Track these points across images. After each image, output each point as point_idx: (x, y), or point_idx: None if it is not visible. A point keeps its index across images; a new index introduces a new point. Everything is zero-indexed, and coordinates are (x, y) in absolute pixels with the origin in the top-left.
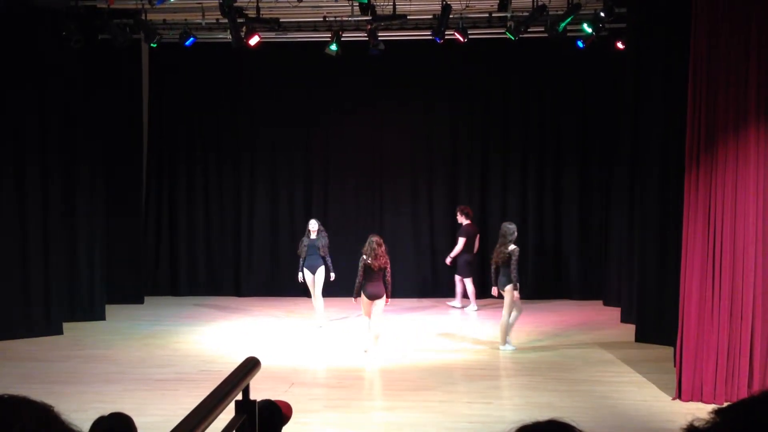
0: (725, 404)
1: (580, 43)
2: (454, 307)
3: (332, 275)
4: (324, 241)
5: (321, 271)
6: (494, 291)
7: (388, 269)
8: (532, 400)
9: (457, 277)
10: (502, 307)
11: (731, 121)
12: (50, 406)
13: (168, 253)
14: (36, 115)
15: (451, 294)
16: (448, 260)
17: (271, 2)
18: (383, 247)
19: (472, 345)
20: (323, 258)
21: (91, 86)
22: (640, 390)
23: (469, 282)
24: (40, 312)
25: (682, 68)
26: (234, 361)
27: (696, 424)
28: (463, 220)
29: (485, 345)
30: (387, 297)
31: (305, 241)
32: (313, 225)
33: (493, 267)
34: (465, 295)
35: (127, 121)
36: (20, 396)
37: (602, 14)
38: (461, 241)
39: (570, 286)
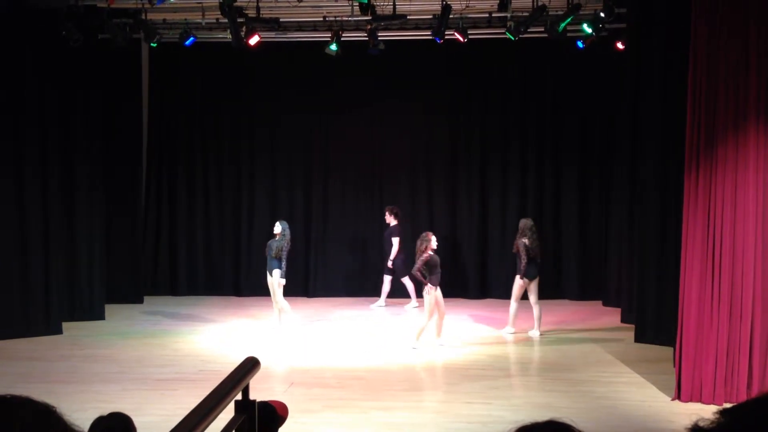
0: (726, 405)
1: (579, 44)
2: (415, 307)
3: (281, 279)
4: (279, 244)
5: (275, 273)
6: (526, 283)
7: (417, 261)
8: (531, 401)
9: (404, 279)
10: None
11: (731, 122)
12: (53, 407)
13: (167, 253)
14: (35, 114)
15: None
16: (389, 263)
17: (271, 2)
18: (423, 244)
19: (471, 345)
20: (276, 260)
21: (90, 86)
22: (640, 390)
23: (404, 281)
24: (40, 311)
25: (681, 69)
26: (233, 360)
27: (701, 424)
28: (392, 221)
29: (484, 345)
30: (424, 288)
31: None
32: (276, 228)
33: (525, 260)
34: (387, 295)
35: (126, 120)
36: (22, 396)
37: (602, 14)
38: (396, 241)
39: (569, 286)
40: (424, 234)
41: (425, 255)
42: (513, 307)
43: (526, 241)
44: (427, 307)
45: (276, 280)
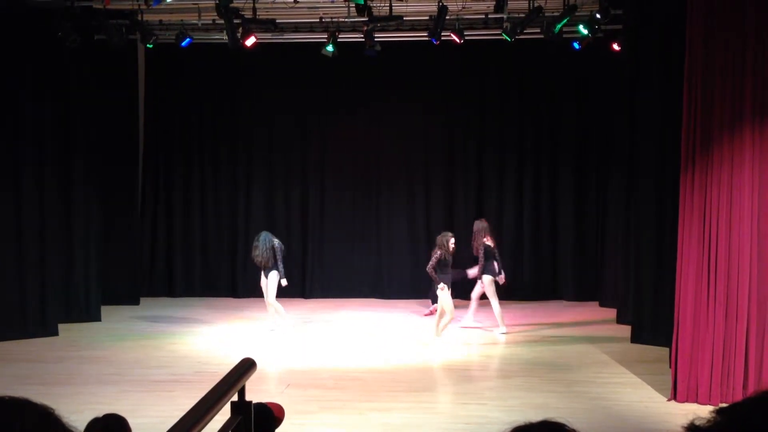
0: (722, 405)
1: (576, 45)
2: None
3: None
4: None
5: (272, 275)
6: (491, 280)
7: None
8: (528, 401)
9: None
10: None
11: (727, 123)
12: (51, 409)
13: (164, 254)
14: (32, 115)
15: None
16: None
17: (267, 3)
18: (445, 242)
19: (468, 345)
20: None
21: (86, 87)
22: (636, 391)
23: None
24: (36, 313)
25: (678, 69)
26: (230, 362)
27: (697, 423)
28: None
29: (481, 345)
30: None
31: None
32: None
33: (483, 261)
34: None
35: (123, 121)
36: (21, 398)
37: (598, 16)
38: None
39: (566, 286)
40: (444, 233)
41: (438, 254)
42: (495, 306)
43: (487, 242)
44: (445, 306)
45: (272, 282)
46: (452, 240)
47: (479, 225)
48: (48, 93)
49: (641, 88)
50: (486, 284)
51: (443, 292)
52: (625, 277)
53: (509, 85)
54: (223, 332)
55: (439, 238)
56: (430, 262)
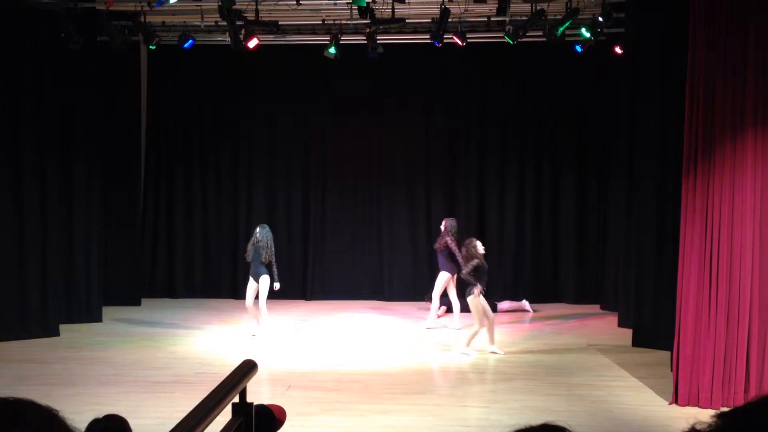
0: (723, 409)
1: (578, 48)
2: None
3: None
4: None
5: (263, 279)
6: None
7: (467, 266)
8: (529, 404)
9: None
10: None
11: (728, 126)
12: (55, 410)
13: (165, 255)
14: (33, 116)
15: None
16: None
17: (270, 5)
18: (471, 249)
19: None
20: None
21: (89, 87)
22: (637, 394)
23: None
24: (37, 313)
25: (680, 73)
26: (231, 363)
27: (698, 427)
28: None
29: (481, 349)
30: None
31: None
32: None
33: (460, 255)
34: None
35: (125, 122)
36: (25, 399)
37: (600, 19)
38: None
39: (567, 289)
40: (468, 240)
41: (474, 262)
42: (436, 303)
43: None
44: (475, 314)
45: (265, 285)
46: (479, 244)
47: (454, 223)
48: (49, 94)
49: (643, 90)
50: (446, 280)
51: (479, 298)
52: (627, 280)
53: (511, 87)
54: (224, 334)
55: (467, 250)
56: (466, 269)
